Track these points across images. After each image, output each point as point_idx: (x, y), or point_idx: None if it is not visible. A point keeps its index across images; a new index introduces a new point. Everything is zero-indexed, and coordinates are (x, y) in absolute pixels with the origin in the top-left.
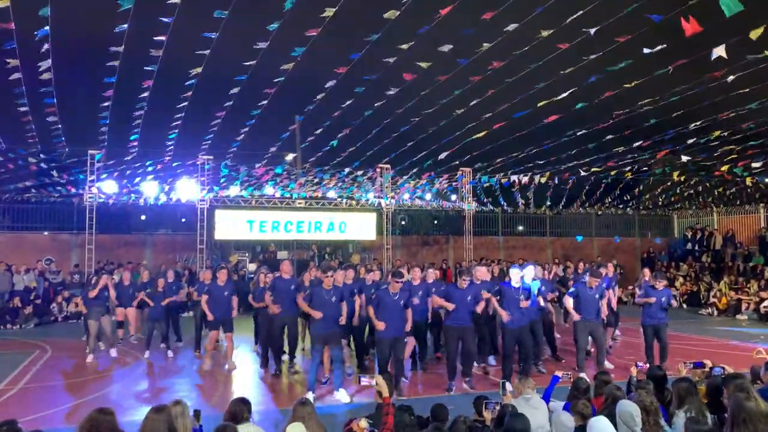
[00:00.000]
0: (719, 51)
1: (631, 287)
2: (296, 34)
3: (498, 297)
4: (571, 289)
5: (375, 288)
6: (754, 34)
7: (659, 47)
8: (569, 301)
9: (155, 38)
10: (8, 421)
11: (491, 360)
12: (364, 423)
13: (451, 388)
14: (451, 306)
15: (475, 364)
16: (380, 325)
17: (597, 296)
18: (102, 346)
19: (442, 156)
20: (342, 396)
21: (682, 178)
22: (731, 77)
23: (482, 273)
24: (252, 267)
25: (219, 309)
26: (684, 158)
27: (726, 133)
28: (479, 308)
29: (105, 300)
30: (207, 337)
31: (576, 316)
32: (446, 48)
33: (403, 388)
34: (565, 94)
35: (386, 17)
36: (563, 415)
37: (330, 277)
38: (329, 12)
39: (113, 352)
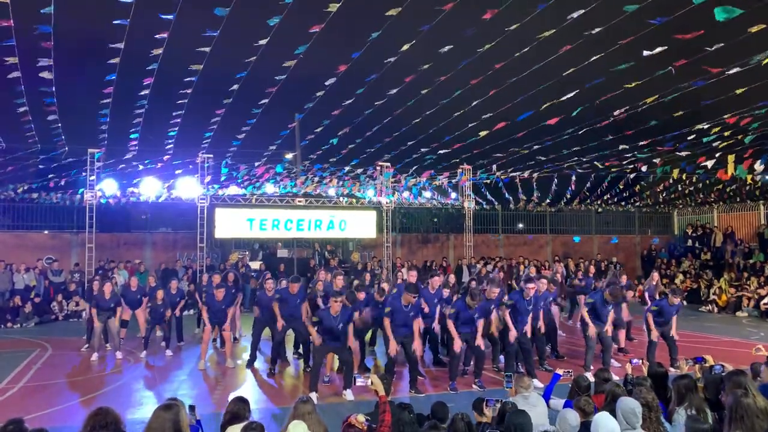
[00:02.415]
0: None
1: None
2: (298, 31)
3: (510, 310)
4: (590, 301)
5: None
6: (756, 28)
7: (659, 49)
8: (585, 312)
9: (156, 36)
10: (15, 420)
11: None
12: (361, 417)
13: (455, 388)
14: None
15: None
16: (392, 346)
17: (609, 307)
18: (108, 347)
19: (441, 151)
20: (348, 395)
21: (683, 176)
22: (731, 72)
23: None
24: (254, 265)
25: (215, 315)
26: (682, 153)
27: (727, 133)
28: (481, 325)
29: (111, 304)
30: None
31: (592, 330)
32: (446, 48)
33: (420, 386)
34: (569, 96)
35: (388, 15)
36: (569, 413)
37: (338, 302)
38: (333, 7)
39: (119, 354)
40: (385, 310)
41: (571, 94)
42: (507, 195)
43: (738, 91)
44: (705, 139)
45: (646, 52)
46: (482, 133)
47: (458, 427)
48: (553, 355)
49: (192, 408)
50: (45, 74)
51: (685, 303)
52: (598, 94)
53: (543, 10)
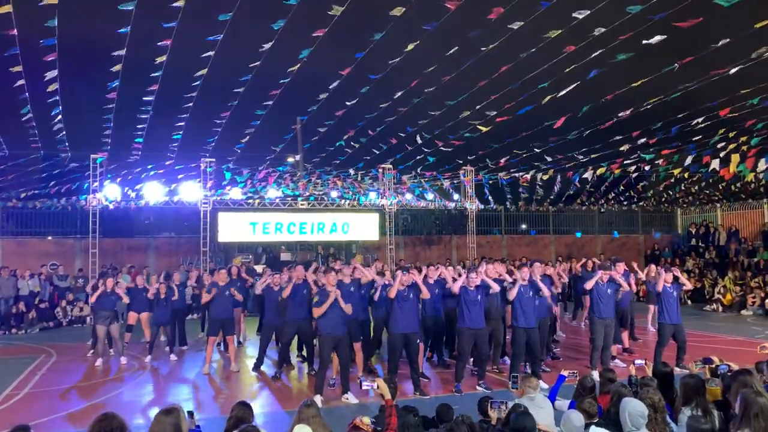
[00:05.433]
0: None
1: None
2: (301, 35)
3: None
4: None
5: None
6: (761, 24)
7: (657, 36)
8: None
9: (159, 42)
10: (21, 426)
11: (505, 360)
12: (366, 419)
13: (459, 390)
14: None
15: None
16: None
17: (609, 291)
18: (112, 352)
19: (444, 149)
20: (351, 398)
21: (685, 175)
22: (734, 69)
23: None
24: (257, 269)
25: (219, 309)
26: (689, 159)
27: (731, 134)
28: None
29: (113, 305)
30: (207, 343)
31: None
32: (452, 50)
33: (425, 388)
34: (569, 88)
35: (392, 14)
36: (573, 414)
37: (330, 273)
38: (336, 10)
39: (123, 360)
40: (385, 291)
41: (572, 86)
42: (509, 195)
43: (743, 91)
44: (711, 141)
45: (645, 41)
46: (483, 129)
47: (460, 429)
48: (548, 356)
49: (191, 413)
50: (51, 87)
51: (689, 302)
52: (602, 93)
53: (547, 10)
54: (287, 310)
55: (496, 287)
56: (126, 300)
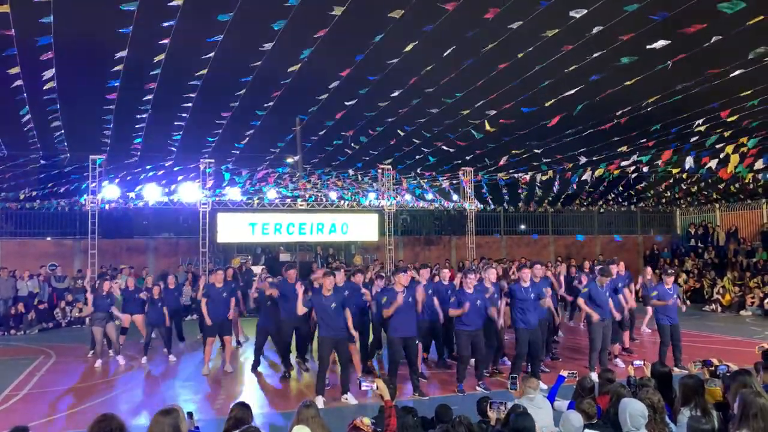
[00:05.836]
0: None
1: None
2: (301, 36)
3: (509, 300)
4: (584, 290)
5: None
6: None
7: (661, 41)
8: (582, 302)
9: (159, 42)
10: (20, 428)
11: (505, 360)
12: (367, 420)
13: (463, 390)
14: (459, 311)
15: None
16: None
17: (607, 294)
18: (111, 353)
19: (444, 148)
20: (350, 399)
21: (684, 176)
22: (735, 72)
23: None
24: (256, 269)
25: (216, 311)
26: (688, 161)
27: (727, 134)
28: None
29: (108, 307)
30: (206, 344)
31: (595, 317)
32: (449, 49)
33: (424, 389)
34: (570, 93)
35: (391, 16)
36: (572, 414)
37: (327, 278)
38: (338, 11)
39: (120, 359)
40: (382, 299)
41: (572, 91)
42: (506, 197)
43: (743, 94)
44: (708, 142)
45: (649, 46)
46: (489, 128)
47: (459, 430)
48: (548, 356)
49: (190, 414)
50: (49, 85)
51: (689, 303)
52: (599, 91)
53: (545, 9)
54: (281, 311)
55: (494, 313)
56: (120, 314)
